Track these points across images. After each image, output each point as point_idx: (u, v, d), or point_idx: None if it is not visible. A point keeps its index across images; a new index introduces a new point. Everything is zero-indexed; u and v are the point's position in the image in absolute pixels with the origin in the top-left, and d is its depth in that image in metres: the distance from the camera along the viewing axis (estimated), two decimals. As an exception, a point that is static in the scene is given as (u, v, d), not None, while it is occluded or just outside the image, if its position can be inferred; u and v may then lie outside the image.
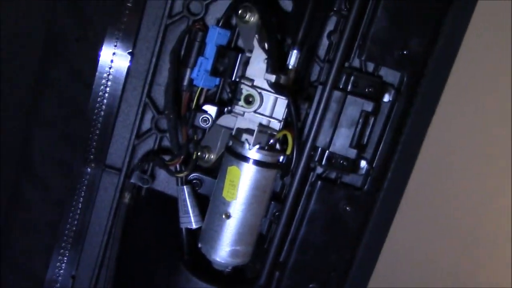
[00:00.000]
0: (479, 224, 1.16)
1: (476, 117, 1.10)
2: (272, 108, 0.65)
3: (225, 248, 0.65)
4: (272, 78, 0.62)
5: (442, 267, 1.21)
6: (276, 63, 0.62)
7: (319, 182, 0.69)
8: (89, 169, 0.75)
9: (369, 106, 0.67)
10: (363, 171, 0.71)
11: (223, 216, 0.64)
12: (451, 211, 1.16)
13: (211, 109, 0.71)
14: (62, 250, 0.77)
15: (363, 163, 0.70)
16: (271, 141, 0.64)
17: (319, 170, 0.71)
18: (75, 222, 0.76)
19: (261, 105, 0.64)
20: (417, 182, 1.12)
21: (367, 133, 0.69)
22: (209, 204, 0.67)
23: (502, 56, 1.05)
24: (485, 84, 1.09)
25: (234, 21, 0.70)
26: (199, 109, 0.70)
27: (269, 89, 0.64)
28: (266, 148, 0.64)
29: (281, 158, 0.66)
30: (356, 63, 0.69)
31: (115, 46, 0.71)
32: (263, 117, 0.65)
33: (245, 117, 0.65)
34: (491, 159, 1.13)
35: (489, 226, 1.16)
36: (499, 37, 1.04)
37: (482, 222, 1.16)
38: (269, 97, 0.65)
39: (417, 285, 1.22)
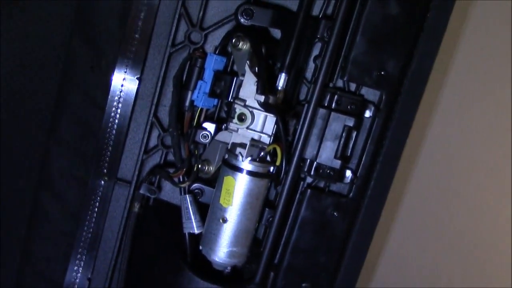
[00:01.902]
0: (479, 225, 1.20)
1: (476, 121, 1.14)
2: (263, 125, 0.73)
3: (223, 250, 0.73)
4: (262, 98, 0.70)
5: (441, 268, 1.25)
6: (264, 85, 0.71)
7: (308, 191, 0.77)
8: (102, 182, 0.83)
9: (351, 122, 0.74)
10: (348, 180, 0.78)
11: (221, 221, 0.72)
12: (451, 213, 1.20)
13: (210, 127, 0.79)
14: (79, 255, 0.85)
15: (348, 173, 0.78)
16: (262, 153, 0.72)
17: (309, 180, 0.78)
18: (90, 230, 0.84)
19: (253, 122, 0.73)
20: (418, 186, 1.18)
21: (351, 145, 0.77)
22: (208, 211, 0.75)
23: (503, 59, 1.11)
24: (485, 88, 1.14)
25: (229, 48, 0.78)
26: (199, 127, 0.79)
27: (259, 108, 0.72)
28: (257, 160, 0.72)
29: (272, 168, 0.74)
30: (339, 83, 0.76)
31: (125, 72, 0.80)
32: (255, 132, 0.73)
33: (239, 133, 0.74)
34: (491, 163, 1.17)
35: (489, 227, 1.20)
36: (499, 38, 1.10)
37: (482, 223, 1.20)
38: (260, 115, 0.73)
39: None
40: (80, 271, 0.86)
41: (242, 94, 0.73)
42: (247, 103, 0.73)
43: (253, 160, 0.71)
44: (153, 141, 0.83)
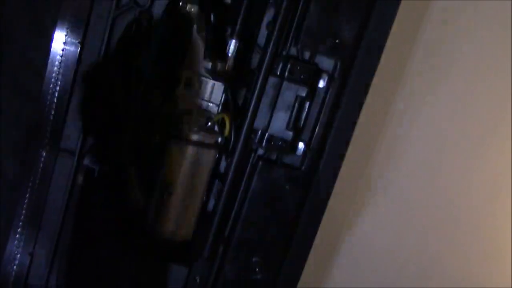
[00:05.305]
0: (479, 224, 1.19)
1: (474, 112, 1.13)
2: (211, 93, 0.70)
3: (168, 224, 0.70)
4: (209, 65, 0.67)
5: (442, 267, 1.24)
6: (212, 51, 0.67)
7: (260, 163, 0.75)
8: (44, 153, 0.79)
9: (303, 91, 0.72)
10: (301, 152, 0.76)
11: (166, 194, 0.69)
12: (450, 211, 1.19)
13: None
14: (19, 229, 0.81)
15: (301, 145, 0.76)
16: (209, 123, 0.69)
17: (260, 151, 0.76)
18: (32, 203, 0.80)
19: (200, 89, 0.69)
20: (417, 182, 1.16)
21: (303, 116, 0.75)
22: (153, 183, 0.72)
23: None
24: (483, 83, 1.12)
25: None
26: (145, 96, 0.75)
27: (207, 75, 0.69)
28: (204, 129, 0.69)
29: (220, 139, 0.71)
30: (293, 51, 0.74)
31: (66, 35, 0.75)
32: (202, 101, 0.70)
33: (186, 101, 0.70)
34: (490, 157, 1.16)
35: (490, 226, 1.20)
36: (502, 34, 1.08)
37: (482, 222, 1.19)
38: (208, 82, 0.70)
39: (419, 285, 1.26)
40: (21, 246, 0.82)
41: (189, 61, 0.70)
42: (194, 70, 0.69)
43: (199, 130, 0.68)
44: (98, 109, 0.78)
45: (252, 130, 0.73)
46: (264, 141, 0.74)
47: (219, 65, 0.68)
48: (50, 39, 0.74)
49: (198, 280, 0.76)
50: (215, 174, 0.76)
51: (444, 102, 1.09)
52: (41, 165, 0.79)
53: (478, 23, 1.05)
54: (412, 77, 1.07)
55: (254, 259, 0.78)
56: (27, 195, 0.80)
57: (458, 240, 1.19)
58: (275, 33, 0.69)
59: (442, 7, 1.03)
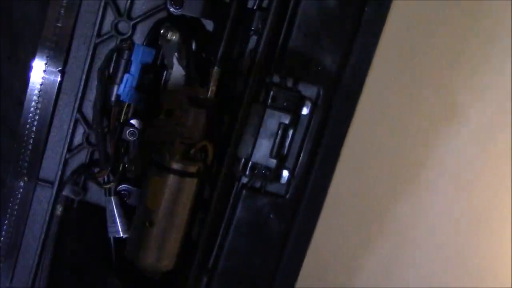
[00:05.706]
0: (479, 224, 1.18)
1: (475, 123, 1.13)
2: (193, 121, 0.69)
3: (149, 255, 0.68)
4: (191, 92, 0.66)
5: (441, 267, 1.23)
6: (193, 79, 0.66)
7: (244, 191, 0.74)
8: (21, 183, 0.77)
9: (286, 119, 0.71)
10: (285, 180, 0.75)
11: (147, 224, 0.67)
12: (451, 212, 1.18)
13: (139, 123, 0.74)
14: (-4, 263, 0.79)
15: (285, 173, 0.75)
16: (191, 151, 0.68)
17: (244, 180, 0.75)
18: (9, 235, 0.78)
19: (182, 117, 0.68)
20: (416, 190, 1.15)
21: (287, 144, 0.74)
22: (135, 213, 0.70)
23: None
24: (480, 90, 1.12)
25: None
26: (126, 124, 0.73)
27: (189, 103, 0.68)
28: (186, 158, 0.67)
29: (202, 167, 0.70)
30: (276, 78, 0.73)
31: (46, 64, 0.74)
32: (184, 129, 0.69)
33: (167, 130, 0.69)
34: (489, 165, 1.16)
35: (490, 226, 1.19)
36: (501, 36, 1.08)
37: (482, 222, 1.18)
38: (190, 110, 0.69)
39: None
40: (-3, 279, 0.79)
41: (170, 88, 0.69)
42: (176, 98, 0.68)
43: (181, 158, 0.67)
44: (78, 139, 0.77)
45: (235, 158, 0.72)
46: (248, 169, 0.73)
47: (201, 92, 0.67)
48: (29, 68, 0.73)
49: (181, 314, 0.74)
50: (198, 203, 0.75)
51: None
52: (19, 195, 0.77)
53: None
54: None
55: (239, 290, 0.76)
56: (4, 227, 0.78)
57: (457, 240, 1.19)
58: (257, 60, 0.69)
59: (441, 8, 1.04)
